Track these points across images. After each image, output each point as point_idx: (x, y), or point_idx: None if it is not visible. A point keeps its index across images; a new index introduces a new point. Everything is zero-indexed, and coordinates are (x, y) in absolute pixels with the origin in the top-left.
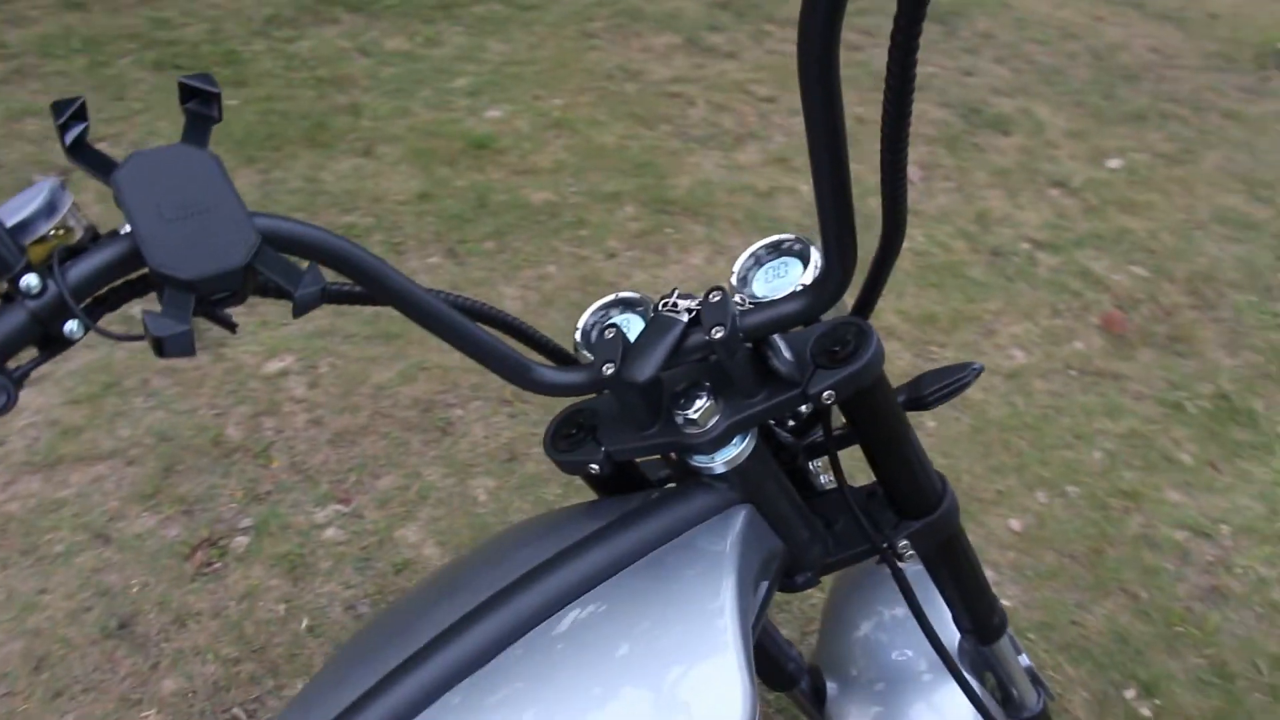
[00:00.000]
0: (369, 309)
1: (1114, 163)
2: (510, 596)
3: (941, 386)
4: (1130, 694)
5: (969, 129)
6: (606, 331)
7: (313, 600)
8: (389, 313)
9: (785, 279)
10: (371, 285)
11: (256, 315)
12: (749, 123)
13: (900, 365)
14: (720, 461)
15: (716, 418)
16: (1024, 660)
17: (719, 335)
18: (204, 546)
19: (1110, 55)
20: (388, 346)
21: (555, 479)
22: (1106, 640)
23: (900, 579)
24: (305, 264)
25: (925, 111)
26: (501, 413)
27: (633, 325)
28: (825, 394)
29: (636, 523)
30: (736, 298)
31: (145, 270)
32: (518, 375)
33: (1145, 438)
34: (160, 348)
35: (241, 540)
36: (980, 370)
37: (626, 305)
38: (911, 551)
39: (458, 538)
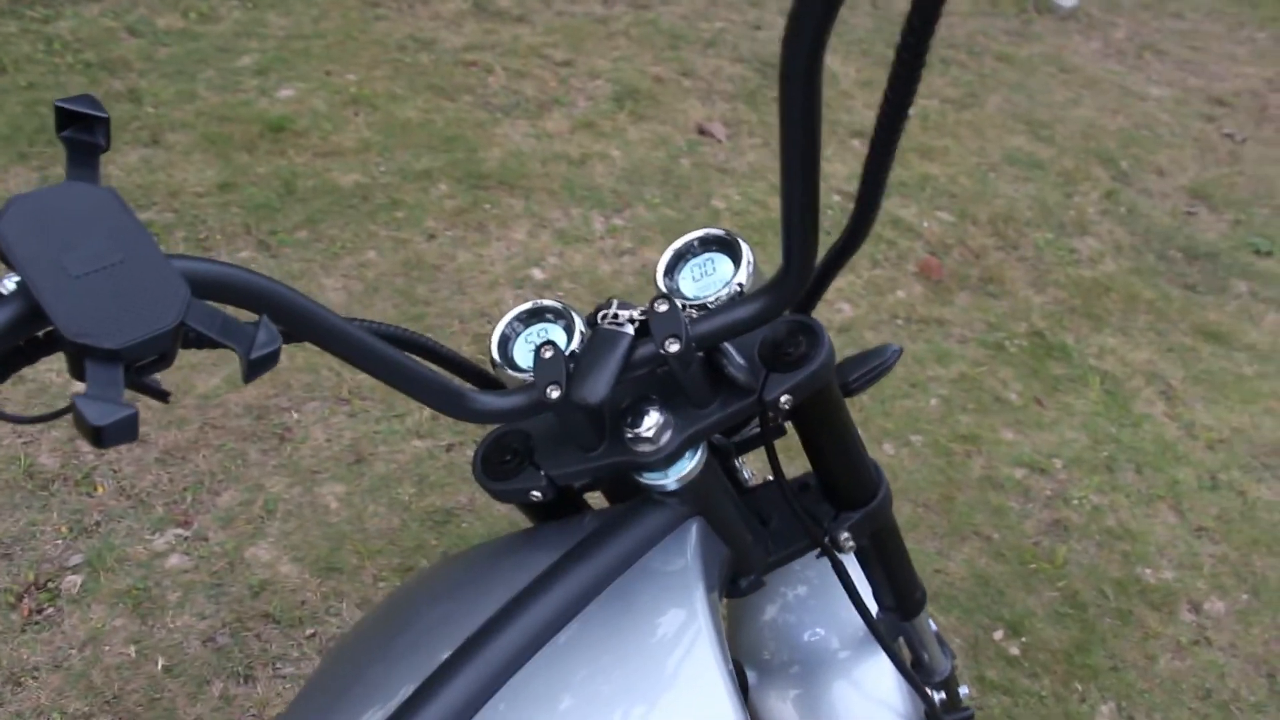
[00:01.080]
0: None
1: None
2: (481, 646)
3: (866, 372)
4: (999, 635)
5: (766, 83)
6: (544, 350)
7: (166, 637)
8: None
9: (714, 276)
10: (301, 327)
11: None
12: (550, 89)
13: None
14: (674, 478)
15: (670, 432)
16: (931, 626)
17: (674, 348)
18: (31, 592)
19: (888, 4)
20: (206, 352)
21: (408, 479)
22: (970, 585)
23: (840, 570)
24: (237, 312)
25: (721, 68)
26: (340, 412)
27: (554, 337)
28: (783, 399)
29: (593, 553)
30: (677, 302)
31: (40, 334)
32: (452, 404)
33: (974, 380)
34: (99, 437)
35: (74, 579)
36: (899, 352)
37: (539, 315)
38: (852, 542)
39: (315, 550)
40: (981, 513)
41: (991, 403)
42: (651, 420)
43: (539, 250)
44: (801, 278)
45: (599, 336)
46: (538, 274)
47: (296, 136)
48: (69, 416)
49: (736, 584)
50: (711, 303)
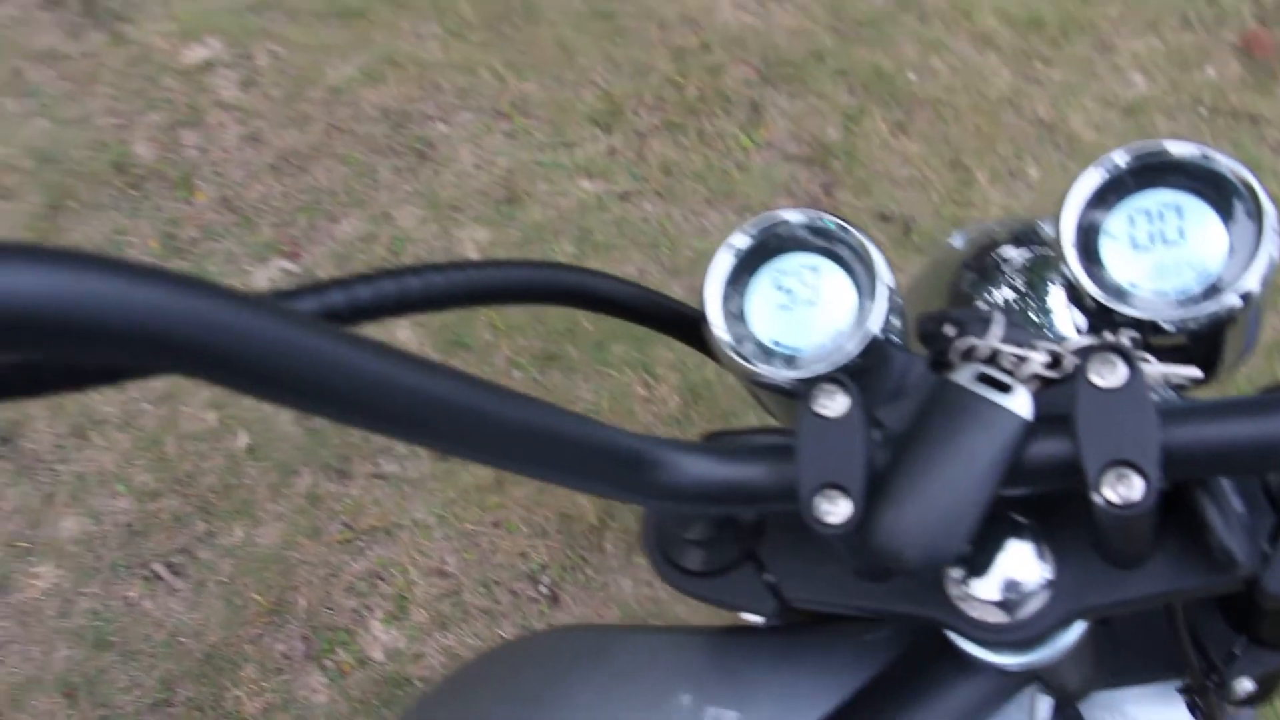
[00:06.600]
0: None
1: None
2: None
3: None
4: None
5: None
6: (823, 398)
7: (253, 407)
8: None
9: (1182, 250)
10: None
11: None
12: None
13: (998, 87)
14: (1020, 661)
15: (1044, 601)
16: None
17: (1134, 496)
18: None
19: None
20: (347, 30)
21: (567, 232)
22: None
23: None
24: None
25: None
26: (497, 130)
27: (822, 286)
28: None
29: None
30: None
31: None
32: (621, 475)
33: None
34: None
35: None
36: None
37: (807, 238)
38: (1250, 690)
39: (441, 316)
40: None
41: None
42: (1013, 574)
43: None
44: None
45: (951, 400)
46: None
47: None
48: None
49: None
50: (1174, 322)
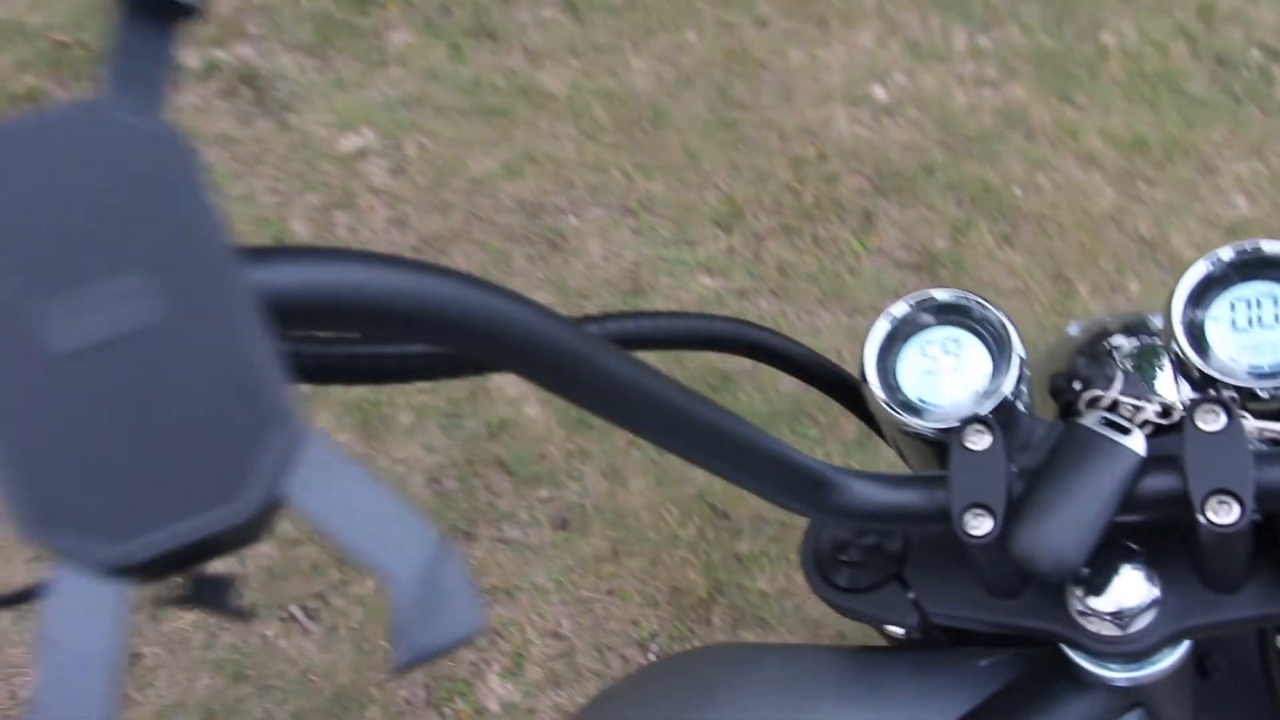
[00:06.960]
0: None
1: None
2: None
3: None
4: None
5: None
6: (971, 435)
7: (389, 468)
8: (489, 79)
9: (1276, 330)
10: (536, 366)
11: (332, 71)
12: None
13: (1101, 205)
14: (1126, 676)
15: (1151, 618)
16: None
17: (1228, 519)
18: None
19: None
20: (489, 126)
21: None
22: None
23: None
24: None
25: None
26: (624, 226)
27: (963, 354)
28: None
29: None
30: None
31: None
32: (802, 492)
33: None
34: None
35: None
36: None
37: (946, 314)
38: None
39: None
40: None
41: None
42: (1126, 593)
43: (885, 63)
44: None
45: (1079, 439)
46: (880, 93)
47: None
48: None
49: None
50: (1268, 390)
